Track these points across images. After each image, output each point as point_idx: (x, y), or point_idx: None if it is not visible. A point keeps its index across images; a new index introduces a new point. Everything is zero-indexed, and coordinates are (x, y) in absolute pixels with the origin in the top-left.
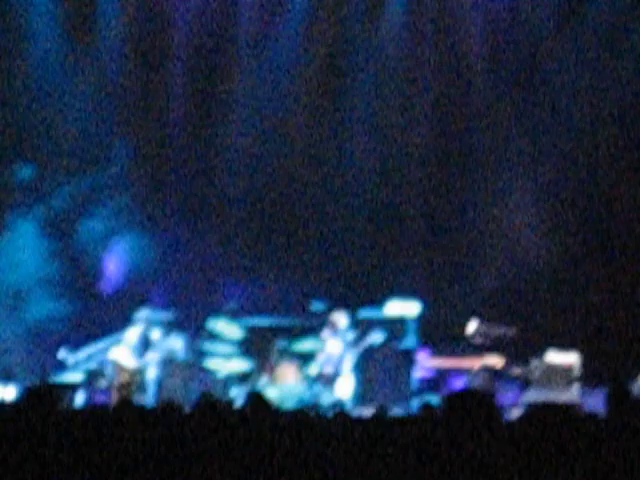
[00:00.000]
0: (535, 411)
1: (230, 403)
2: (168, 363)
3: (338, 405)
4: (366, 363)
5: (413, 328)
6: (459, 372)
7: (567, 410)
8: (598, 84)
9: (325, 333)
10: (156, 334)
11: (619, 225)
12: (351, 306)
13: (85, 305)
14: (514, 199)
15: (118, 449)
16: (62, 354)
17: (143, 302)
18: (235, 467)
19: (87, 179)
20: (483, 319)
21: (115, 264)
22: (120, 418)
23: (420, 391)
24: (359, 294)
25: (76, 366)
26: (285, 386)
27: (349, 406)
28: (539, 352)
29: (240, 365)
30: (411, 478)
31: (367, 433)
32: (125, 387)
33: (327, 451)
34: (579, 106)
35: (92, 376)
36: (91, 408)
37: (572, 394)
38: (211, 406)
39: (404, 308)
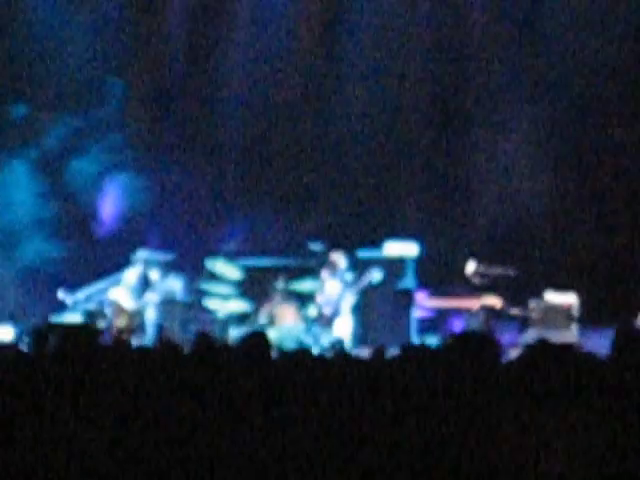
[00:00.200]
0: (535, 350)
1: (227, 343)
2: (167, 304)
3: (337, 345)
4: (365, 303)
5: (412, 269)
6: (458, 312)
7: (567, 349)
8: (597, 25)
9: (324, 273)
10: (155, 275)
11: (617, 164)
12: (350, 247)
13: (80, 246)
14: (511, 140)
15: (114, 389)
16: (61, 295)
17: (141, 243)
18: (233, 407)
19: (80, 118)
20: (481, 259)
21: (110, 204)
22: (117, 358)
23: (419, 331)
24: (357, 235)
25: (75, 306)
26: (284, 327)
27: (348, 346)
28: (538, 292)
29: (239, 306)
30: (409, 419)
31: (365, 373)
32: (124, 328)
33: (325, 391)
34: (578, 48)
35: (91, 316)
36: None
37: (571, 334)
38: (208, 346)
39: (403, 249)
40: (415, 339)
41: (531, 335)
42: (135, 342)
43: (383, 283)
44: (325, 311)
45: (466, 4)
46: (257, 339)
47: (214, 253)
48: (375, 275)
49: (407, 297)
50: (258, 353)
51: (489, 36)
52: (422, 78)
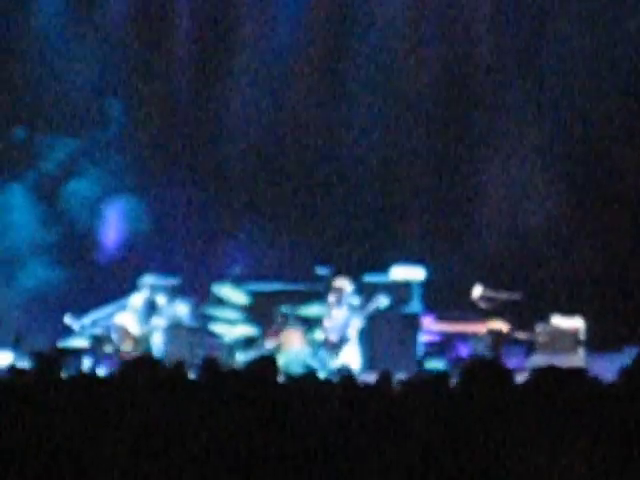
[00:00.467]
0: (542, 374)
1: (234, 368)
2: (174, 328)
3: (344, 371)
4: (372, 328)
5: (418, 293)
6: (464, 337)
7: (577, 374)
8: (603, 38)
9: (331, 298)
10: (161, 300)
11: (625, 188)
12: (356, 272)
13: (83, 271)
14: (518, 164)
15: (124, 414)
16: (67, 320)
17: (144, 268)
18: (240, 431)
19: (80, 140)
20: (488, 284)
21: (111, 229)
22: (125, 383)
23: (425, 356)
24: (364, 260)
25: (81, 332)
26: (290, 351)
27: (355, 372)
28: (544, 317)
29: (245, 330)
30: (415, 444)
31: (372, 398)
32: (130, 353)
33: (332, 415)
34: (583, 71)
35: (98, 342)
36: (96, 374)
37: (578, 358)
38: (216, 371)
39: (409, 273)
40: (421, 364)
41: (538, 360)
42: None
43: (389, 308)
44: (332, 336)
45: (472, 27)
46: (265, 363)
47: (220, 278)
48: (382, 300)
49: (413, 322)
50: (266, 378)
51: (495, 58)
52: (428, 102)
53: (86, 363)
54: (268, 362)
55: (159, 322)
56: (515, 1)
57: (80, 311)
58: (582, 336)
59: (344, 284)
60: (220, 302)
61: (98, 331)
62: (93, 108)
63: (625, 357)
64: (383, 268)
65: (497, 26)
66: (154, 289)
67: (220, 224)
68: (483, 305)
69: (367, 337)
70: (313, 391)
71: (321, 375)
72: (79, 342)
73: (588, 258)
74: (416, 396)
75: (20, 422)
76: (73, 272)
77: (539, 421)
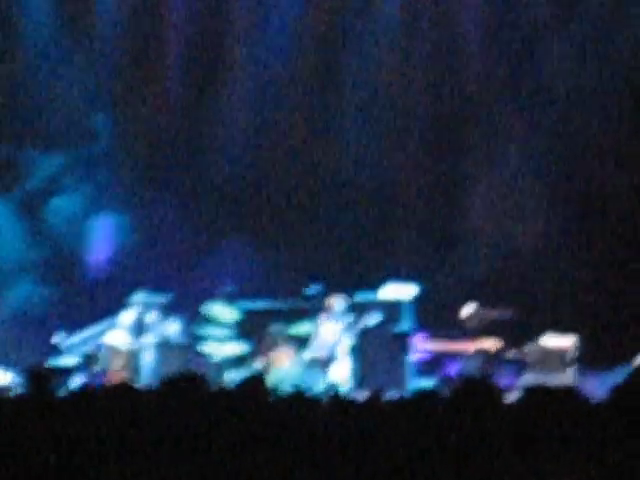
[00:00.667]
0: (533, 394)
1: (223, 387)
2: (163, 347)
3: (333, 389)
4: (362, 347)
5: (408, 311)
6: (454, 356)
7: (568, 394)
8: (592, 63)
9: (321, 317)
10: (151, 317)
11: (619, 207)
12: (347, 290)
13: (69, 289)
14: (508, 181)
15: (117, 432)
16: (56, 338)
17: (135, 285)
18: (230, 451)
19: (67, 155)
20: (478, 302)
21: (100, 246)
22: (118, 401)
23: (416, 374)
24: (355, 278)
25: (71, 350)
26: (280, 370)
27: (344, 390)
28: (534, 335)
29: (235, 349)
30: (406, 462)
31: (362, 416)
32: (120, 371)
33: (321, 434)
34: (574, 86)
35: (87, 360)
36: (87, 391)
37: (567, 377)
38: (204, 389)
39: (400, 291)
40: (411, 382)
41: (528, 379)
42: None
43: (380, 326)
44: (321, 354)
45: (464, 45)
46: (255, 383)
47: (211, 295)
48: (372, 318)
49: (404, 340)
50: (256, 397)
51: (486, 76)
52: (419, 121)
53: (75, 381)
54: (258, 381)
55: (149, 340)
56: (506, 20)
57: (67, 329)
58: (573, 355)
59: (336, 302)
60: (210, 320)
61: (88, 349)
62: (80, 123)
63: (616, 376)
64: (374, 286)
65: (488, 44)
66: (144, 306)
67: (210, 241)
68: (474, 324)
69: (357, 355)
70: (303, 410)
71: (311, 394)
72: (68, 360)
73: (579, 276)
74: (406, 414)
75: (11, 440)
76: (59, 290)
77: (529, 440)
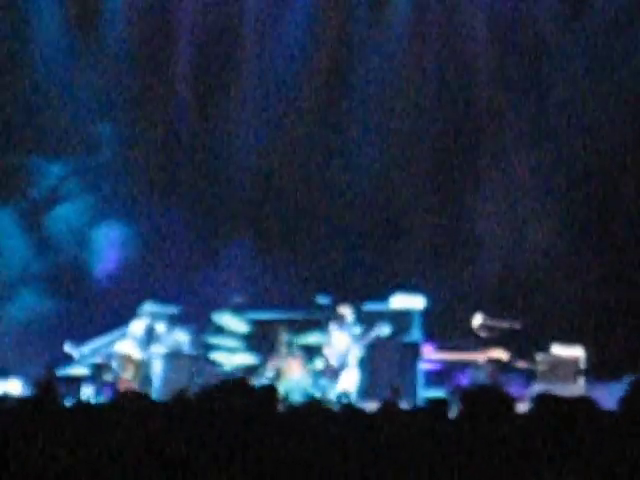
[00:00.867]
0: (544, 403)
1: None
2: (173, 357)
3: (344, 399)
4: (372, 357)
5: (418, 322)
6: (464, 366)
7: (582, 403)
8: (602, 75)
9: (332, 326)
10: (161, 328)
11: (626, 217)
12: (356, 300)
13: (75, 299)
14: (518, 192)
15: (122, 443)
16: (67, 348)
17: (143, 295)
18: (241, 460)
19: (72, 165)
20: (488, 313)
21: (107, 256)
22: (128, 411)
23: (425, 384)
24: (363, 288)
25: (81, 360)
26: (291, 380)
27: (354, 400)
28: (544, 346)
29: (246, 359)
30: (418, 470)
31: (373, 426)
32: (131, 381)
33: (333, 443)
34: (583, 97)
35: (98, 370)
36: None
37: (578, 388)
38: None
39: (409, 302)
40: (422, 392)
41: (538, 389)
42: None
43: (390, 336)
44: (332, 364)
45: (471, 54)
46: (266, 393)
47: (220, 306)
48: (383, 329)
49: (413, 350)
50: (267, 407)
51: (495, 87)
52: (428, 131)
53: (86, 391)
54: (269, 391)
55: (158, 350)
56: (516, 28)
57: (73, 339)
58: (582, 365)
59: (346, 312)
60: (220, 330)
61: (98, 359)
62: (86, 132)
63: (625, 386)
64: (383, 297)
65: (498, 52)
66: (154, 316)
67: (218, 252)
68: (483, 334)
69: (367, 365)
70: (314, 419)
71: (324, 403)
72: (79, 370)
73: (588, 287)
74: (417, 424)
75: (18, 450)
76: (64, 301)
77: (540, 449)
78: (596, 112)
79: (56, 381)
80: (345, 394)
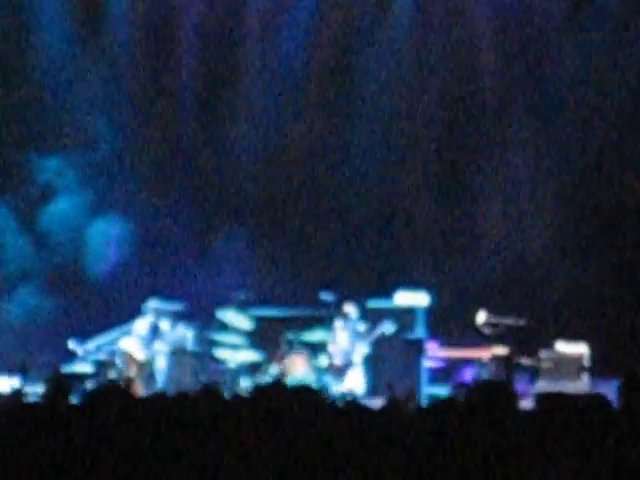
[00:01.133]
0: (549, 400)
1: (238, 394)
2: (177, 353)
3: (348, 396)
4: (376, 353)
5: (422, 319)
6: (468, 363)
7: (588, 400)
8: (604, 73)
9: (337, 323)
10: (165, 325)
11: (628, 214)
12: (359, 297)
13: (74, 297)
14: (521, 189)
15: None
16: (71, 345)
17: (145, 292)
18: (247, 457)
19: (69, 161)
20: (491, 310)
21: (104, 253)
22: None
23: (430, 381)
24: (367, 286)
25: (85, 357)
26: (295, 377)
27: (359, 397)
28: (548, 343)
29: (250, 356)
30: (421, 468)
31: (380, 423)
32: (134, 378)
33: (338, 440)
34: (585, 95)
35: (102, 367)
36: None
37: (582, 384)
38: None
39: (413, 299)
40: (426, 389)
41: (542, 385)
42: (145, 392)
43: (395, 334)
44: (336, 361)
45: (474, 52)
46: (275, 390)
47: (224, 303)
48: (388, 327)
49: (418, 347)
50: (277, 404)
51: (497, 84)
52: (431, 127)
53: (89, 388)
54: (279, 388)
55: (162, 347)
56: (518, 27)
57: (74, 336)
58: (586, 362)
59: (351, 309)
60: (224, 327)
61: (102, 356)
62: (83, 128)
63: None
64: (387, 294)
65: (500, 48)
66: (158, 314)
67: (222, 248)
68: (487, 331)
69: (372, 363)
70: (322, 416)
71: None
72: (82, 367)
73: (592, 284)
74: (423, 420)
75: (31, 446)
76: (63, 298)
77: (544, 445)
78: (597, 109)
79: (66, 379)
80: (349, 392)
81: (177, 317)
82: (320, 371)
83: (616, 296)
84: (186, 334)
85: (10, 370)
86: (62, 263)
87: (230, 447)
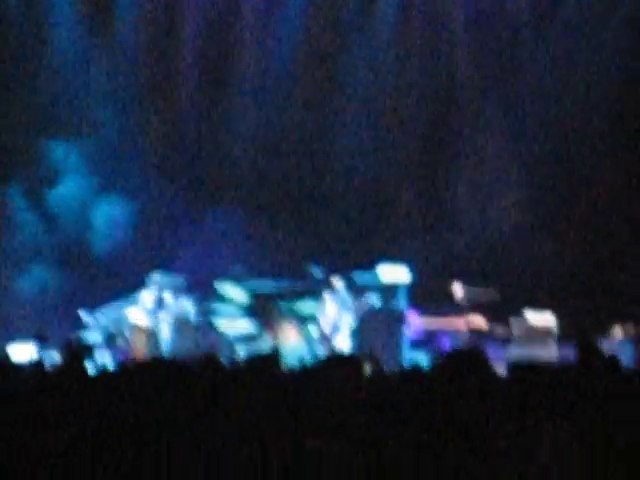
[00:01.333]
0: (520, 367)
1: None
2: (180, 324)
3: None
4: (362, 324)
5: (403, 291)
6: (446, 332)
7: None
8: (575, 66)
9: (326, 295)
10: (168, 297)
11: (593, 185)
12: (347, 271)
13: (82, 271)
14: (493, 172)
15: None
16: (82, 315)
17: (150, 266)
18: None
19: (72, 145)
20: (464, 281)
21: (111, 231)
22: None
23: (410, 349)
24: (352, 260)
25: (95, 326)
26: (287, 346)
27: None
28: (516, 312)
29: (245, 326)
30: (406, 430)
31: (367, 388)
32: (142, 348)
33: (327, 403)
34: (553, 86)
35: (110, 337)
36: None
37: (551, 351)
38: (217, 368)
39: (396, 273)
40: (406, 356)
41: (513, 352)
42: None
43: (380, 306)
44: (326, 331)
45: (451, 46)
46: (270, 359)
47: (220, 276)
48: (373, 301)
49: (400, 318)
50: (270, 371)
51: (472, 75)
52: (413, 118)
53: (99, 357)
54: (274, 357)
55: (166, 317)
56: (492, 20)
57: (94, 306)
58: (555, 329)
59: (338, 283)
60: (222, 299)
61: (111, 326)
62: (90, 115)
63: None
64: (371, 268)
65: (476, 42)
66: (162, 286)
67: (220, 226)
68: (463, 301)
69: (359, 334)
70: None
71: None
72: (92, 336)
73: (557, 256)
74: (405, 385)
75: (51, 414)
76: (72, 274)
77: (522, 407)
78: (567, 96)
79: (82, 348)
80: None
81: (179, 289)
82: (311, 341)
83: (581, 267)
84: (187, 306)
85: (26, 338)
86: (70, 241)
87: (229, 413)
